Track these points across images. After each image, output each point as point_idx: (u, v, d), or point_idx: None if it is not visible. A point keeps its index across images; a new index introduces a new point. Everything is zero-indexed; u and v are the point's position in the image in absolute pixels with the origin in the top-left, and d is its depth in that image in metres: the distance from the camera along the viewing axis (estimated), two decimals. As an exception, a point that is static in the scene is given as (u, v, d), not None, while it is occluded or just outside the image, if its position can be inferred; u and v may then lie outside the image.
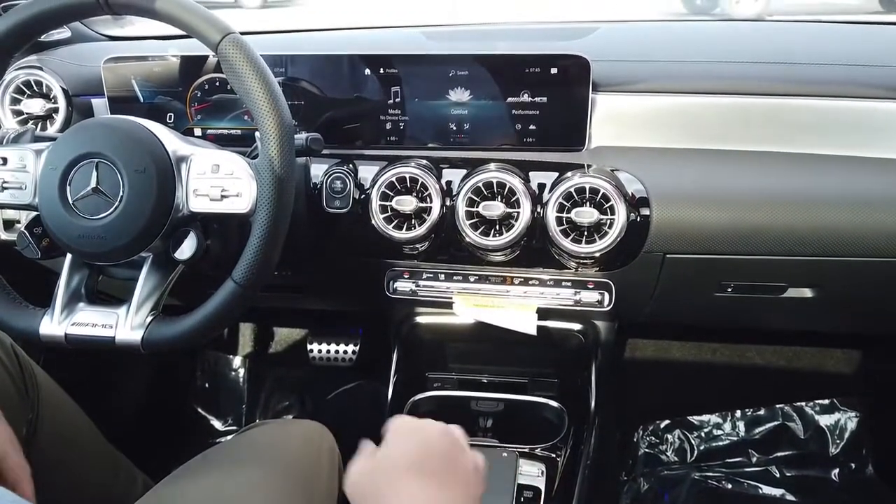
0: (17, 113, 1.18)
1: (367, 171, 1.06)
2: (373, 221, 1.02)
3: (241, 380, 1.78)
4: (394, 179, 1.02)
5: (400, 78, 1.07)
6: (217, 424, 1.74)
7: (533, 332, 1.08)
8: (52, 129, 1.17)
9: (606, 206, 0.96)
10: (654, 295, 1.06)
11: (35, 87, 1.18)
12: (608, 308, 1.06)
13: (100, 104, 1.17)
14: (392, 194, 1.01)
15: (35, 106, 1.16)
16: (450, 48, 1.20)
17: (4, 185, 0.88)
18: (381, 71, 1.08)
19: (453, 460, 0.63)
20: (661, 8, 9.07)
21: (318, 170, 1.07)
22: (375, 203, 1.02)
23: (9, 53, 0.90)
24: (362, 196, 1.05)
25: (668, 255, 1.00)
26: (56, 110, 1.17)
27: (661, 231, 0.98)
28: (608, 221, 0.96)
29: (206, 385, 1.77)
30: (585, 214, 0.95)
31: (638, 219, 0.97)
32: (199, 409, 1.75)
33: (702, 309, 1.13)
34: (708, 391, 1.58)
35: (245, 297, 0.86)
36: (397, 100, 1.09)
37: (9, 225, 1.11)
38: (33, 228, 0.91)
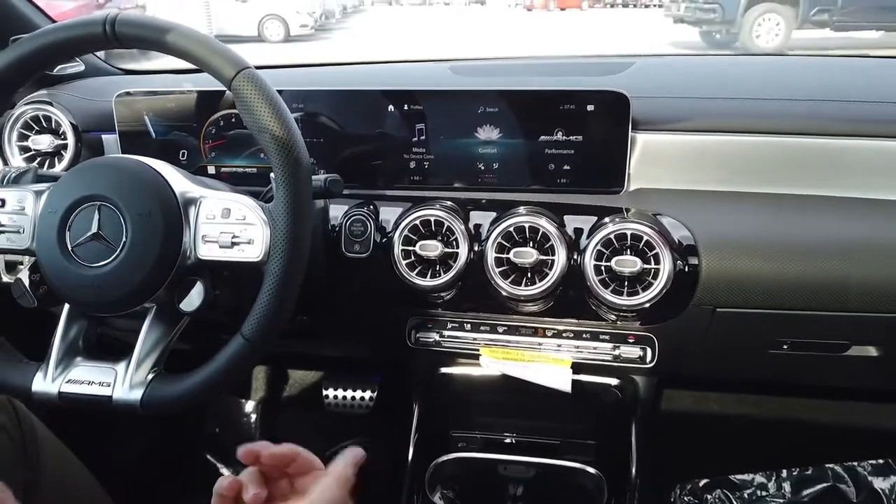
0: (25, 149, 1.13)
1: (389, 213, 1.00)
2: (395, 268, 0.95)
3: (254, 426, 1.70)
4: (418, 223, 0.95)
5: (425, 114, 1.02)
6: (226, 473, 1.65)
7: (567, 388, 0.99)
8: (59, 167, 1.12)
9: (650, 254, 0.88)
10: (701, 351, 0.97)
11: (44, 123, 1.13)
12: (651, 365, 0.97)
13: (111, 140, 1.13)
14: (416, 238, 0.94)
15: (43, 142, 1.11)
16: (478, 83, 1.14)
17: (1, 228, 0.82)
18: (405, 107, 1.02)
19: None
20: (678, 41, 9.09)
21: (337, 211, 1.00)
22: (398, 248, 0.95)
23: (12, 88, 0.84)
24: (384, 240, 0.98)
25: (718, 310, 0.91)
26: (65, 147, 1.12)
27: (712, 283, 0.89)
28: (652, 271, 0.88)
29: (217, 431, 1.69)
30: (627, 263, 0.87)
31: (686, 269, 0.89)
32: (209, 458, 1.66)
33: (753, 366, 1.04)
34: (751, 448, 1.47)
35: (255, 354, 0.79)
36: (422, 137, 1.02)
37: (11, 267, 1.05)
38: (31, 275, 0.85)
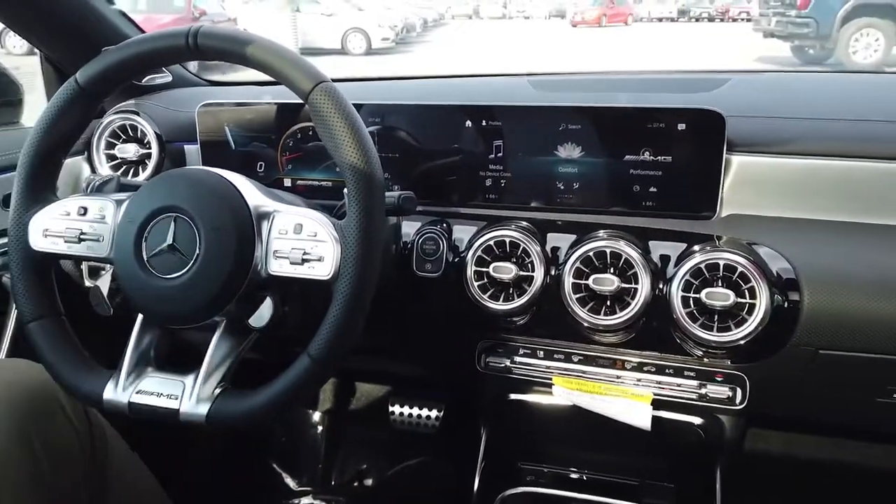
0: (112, 157, 1.16)
1: (462, 232, 0.96)
2: (467, 289, 0.91)
3: (320, 437, 1.69)
4: (492, 243, 0.91)
5: (503, 131, 0.98)
6: (291, 483, 1.65)
7: (647, 426, 0.93)
8: (143, 176, 1.14)
9: (745, 287, 0.81)
10: (798, 394, 0.89)
11: (131, 132, 1.16)
12: (741, 407, 0.89)
13: (192, 151, 1.14)
14: (489, 259, 0.91)
15: (129, 151, 1.14)
16: (560, 99, 1.10)
17: (82, 236, 0.83)
18: (483, 122, 0.98)
19: None
20: (766, 56, 8.71)
21: (409, 228, 0.98)
22: (470, 269, 0.91)
23: (99, 97, 0.86)
24: (456, 260, 0.94)
25: (821, 352, 0.82)
26: (149, 156, 1.15)
27: (814, 321, 0.81)
28: (747, 306, 0.80)
29: (284, 440, 1.70)
30: (719, 296, 0.80)
31: (785, 304, 0.81)
32: (275, 466, 1.67)
33: (857, 413, 0.94)
34: (847, 498, 1.34)
35: (321, 374, 0.77)
36: (499, 154, 0.99)
37: (94, 272, 1.07)
38: (110, 283, 0.86)
